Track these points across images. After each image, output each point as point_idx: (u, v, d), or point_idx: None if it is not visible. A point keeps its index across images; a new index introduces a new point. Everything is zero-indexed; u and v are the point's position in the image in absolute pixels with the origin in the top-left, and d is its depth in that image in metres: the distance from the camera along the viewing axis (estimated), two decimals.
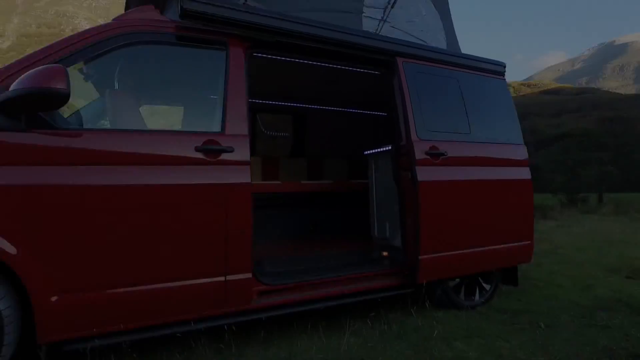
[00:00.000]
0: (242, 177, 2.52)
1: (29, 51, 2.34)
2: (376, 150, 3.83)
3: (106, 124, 2.66)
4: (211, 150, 2.43)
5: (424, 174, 3.07)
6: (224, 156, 2.47)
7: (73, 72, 2.59)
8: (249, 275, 2.53)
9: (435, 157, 3.17)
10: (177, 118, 2.87)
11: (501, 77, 3.91)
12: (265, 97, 4.93)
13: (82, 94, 2.80)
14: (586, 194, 17.50)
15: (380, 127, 5.96)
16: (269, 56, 3.00)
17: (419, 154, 3.10)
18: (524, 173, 3.68)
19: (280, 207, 4.29)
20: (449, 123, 3.40)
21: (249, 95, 2.71)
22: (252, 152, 5.62)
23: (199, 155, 2.40)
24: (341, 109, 5.49)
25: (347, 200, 4.67)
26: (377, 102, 5.41)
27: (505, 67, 3.95)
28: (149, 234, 2.22)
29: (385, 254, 3.41)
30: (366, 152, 3.99)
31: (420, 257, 3.02)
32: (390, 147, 3.59)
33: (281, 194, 4.26)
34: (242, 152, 2.53)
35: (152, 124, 2.67)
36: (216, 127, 2.54)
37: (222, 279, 2.42)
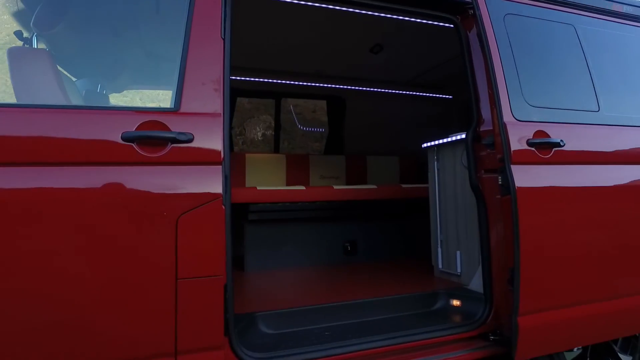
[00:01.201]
0: (208, 183, 1.51)
1: None
2: (441, 141, 2.67)
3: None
4: (150, 139, 1.45)
5: (525, 176, 1.89)
6: (175, 148, 1.49)
7: None
8: (221, 352, 1.52)
9: (544, 149, 1.96)
10: (107, 90, 1.94)
11: None
12: (288, 75, 3.92)
13: None
14: None
15: (446, 113, 4.73)
16: None
17: (517, 144, 1.91)
18: None
19: (303, 221, 3.27)
20: (564, 95, 2.16)
21: (231, 55, 1.72)
22: (276, 148, 4.73)
23: (130, 146, 1.43)
24: (390, 90, 4.34)
25: (397, 212, 3.54)
26: (440, 78, 4.19)
27: None
28: (19, 283, 1.28)
29: (456, 303, 2.24)
30: (425, 145, 2.84)
31: (519, 320, 1.83)
32: (464, 135, 2.42)
33: (305, 203, 3.24)
34: (208, 142, 1.53)
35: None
36: (166, 102, 1.57)
37: None
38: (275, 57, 3.53)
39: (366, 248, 3.43)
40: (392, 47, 3.36)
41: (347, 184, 4.22)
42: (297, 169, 4.06)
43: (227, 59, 1.67)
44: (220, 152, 1.54)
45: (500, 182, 1.92)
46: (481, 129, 2.12)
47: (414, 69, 3.89)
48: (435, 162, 2.76)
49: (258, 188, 3.09)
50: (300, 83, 4.04)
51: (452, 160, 2.60)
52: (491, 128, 2.03)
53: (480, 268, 2.22)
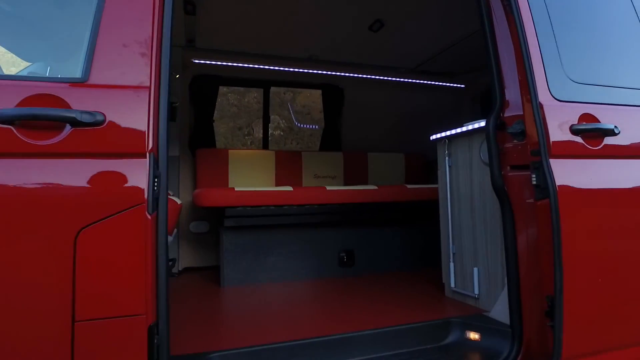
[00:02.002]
0: (125, 183, 1.10)
1: None
2: (454, 132, 2.23)
3: None
4: (39, 119, 1.04)
5: (568, 173, 1.46)
6: (77, 133, 1.07)
7: None
8: None
9: (593, 137, 1.52)
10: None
11: None
12: (277, 60, 3.49)
13: None
14: None
15: (457, 105, 4.28)
16: None
17: (557, 131, 1.48)
18: None
19: (291, 228, 2.85)
20: (616, 70, 1.72)
21: (174, 10, 1.31)
22: (264, 145, 4.31)
23: (8, 130, 1.02)
24: (395, 78, 3.89)
25: (402, 217, 3.10)
26: (450, 63, 3.74)
27: None
28: None
29: (474, 336, 1.80)
30: (435, 137, 2.40)
31: None
32: (483, 123, 1.98)
33: (293, 207, 2.81)
34: (128, 125, 1.11)
35: None
36: (71, 69, 1.16)
37: None
38: (261, 38, 3.11)
39: (365, 259, 3.00)
40: (395, 24, 2.92)
41: (346, 184, 3.79)
42: (288, 168, 3.63)
43: (167, 14, 1.25)
44: (145, 138, 1.12)
45: (534, 182, 1.48)
46: (506, 115, 1.68)
47: (421, 51, 3.44)
48: (447, 158, 2.31)
49: (236, 189, 2.66)
50: (291, 69, 3.61)
51: (468, 155, 2.16)
52: (521, 113, 1.59)
53: (505, 291, 1.78)
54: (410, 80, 3.97)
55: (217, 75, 3.52)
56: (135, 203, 1.08)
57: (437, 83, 4.06)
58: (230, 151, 3.48)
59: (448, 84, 4.11)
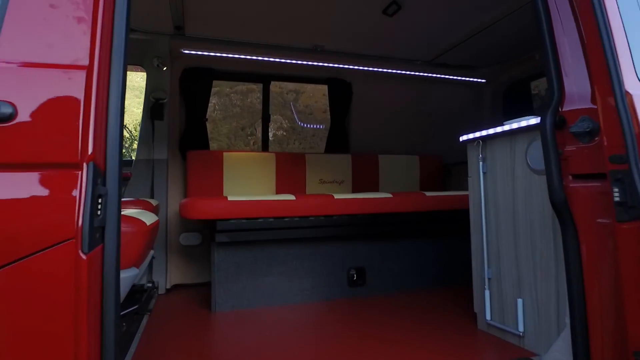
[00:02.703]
0: (45, 210, 0.74)
1: None
2: (491, 132, 1.86)
3: None
4: None
5: None
6: None
7: None
8: None
9: None
10: None
11: None
12: (278, 51, 3.13)
13: None
14: None
15: (477, 101, 3.92)
16: None
17: None
18: None
19: (293, 243, 2.50)
20: None
21: None
22: (264, 146, 3.96)
23: None
24: (409, 72, 3.53)
25: (419, 230, 2.74)
26: (473, 54, 3.38)
27: None
28: None
29: None
30: (465, 137, 2.04)
31: None
32: (534, 121, 1.62)
33: (295, 219, 2.46)
34: (54, 122, 0.76)
35: None
36: None
37: None
38: (259, 25, 2.76)
39: (377, 277, 2.64)
40: (414, 5, 2.56)
41: (354, 189, 3.43)
42: (290, 172, 3.28)
43: None
44: (77, 141, 0.77)
45: (618, 198, 1.12)
46: (565, 109, 1.32)
47: (439, 40, 3.07)
48: (481, 163, 1.95)
49: (229, 198, 2.31)
50: (294, 62, 3.26)
51: (509, 160, 1.80)
52: (587, 106, 1.25)
53: (566, 334, 1.42)
54: (426, 74, 3.60)
55: (210, 68, 3.17)
56: (60, 239, 0.73)
57: (455, 77, 3.70)
58: (225, 153, 3.13)
59: (467, 79, 3.74)
